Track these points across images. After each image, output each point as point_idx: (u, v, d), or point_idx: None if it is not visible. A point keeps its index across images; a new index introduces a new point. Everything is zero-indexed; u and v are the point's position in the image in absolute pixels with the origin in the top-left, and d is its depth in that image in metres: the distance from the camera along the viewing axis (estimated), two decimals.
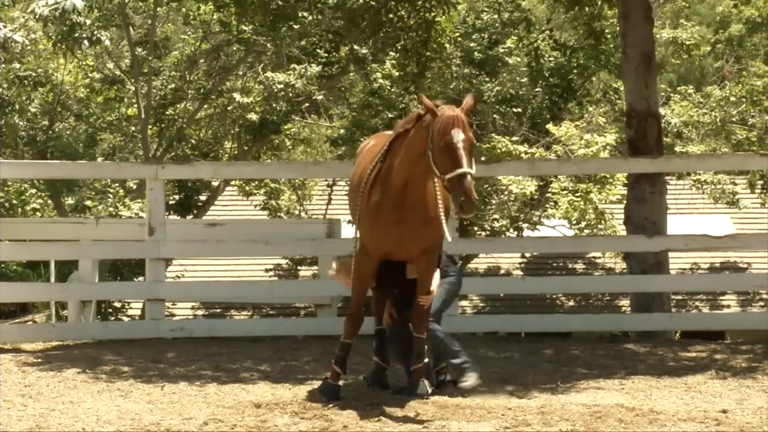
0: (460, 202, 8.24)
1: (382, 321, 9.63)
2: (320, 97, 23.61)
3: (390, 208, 8.92)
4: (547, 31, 19.55)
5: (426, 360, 9.20)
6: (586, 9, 18.00)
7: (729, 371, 10.63)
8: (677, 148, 24.62)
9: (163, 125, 24.43)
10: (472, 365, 9.25)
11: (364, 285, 9.28)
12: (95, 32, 17.41)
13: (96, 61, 25.28)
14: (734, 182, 24.61)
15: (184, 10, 24.48)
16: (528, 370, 10.64)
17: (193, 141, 25.26)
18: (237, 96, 23.16)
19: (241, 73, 24.48)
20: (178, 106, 24.44)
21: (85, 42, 16.83)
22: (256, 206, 25.54)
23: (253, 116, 23.46)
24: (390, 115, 23.27)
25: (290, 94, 22.14)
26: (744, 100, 25.71)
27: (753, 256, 23.28)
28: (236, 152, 25.00)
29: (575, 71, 25.30)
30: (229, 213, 26.10)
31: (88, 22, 16.79)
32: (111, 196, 21.89)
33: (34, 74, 22.49)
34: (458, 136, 8.43)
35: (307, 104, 23.97)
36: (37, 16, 14.68)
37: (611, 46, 23.67)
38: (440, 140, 8.43)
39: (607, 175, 20.24)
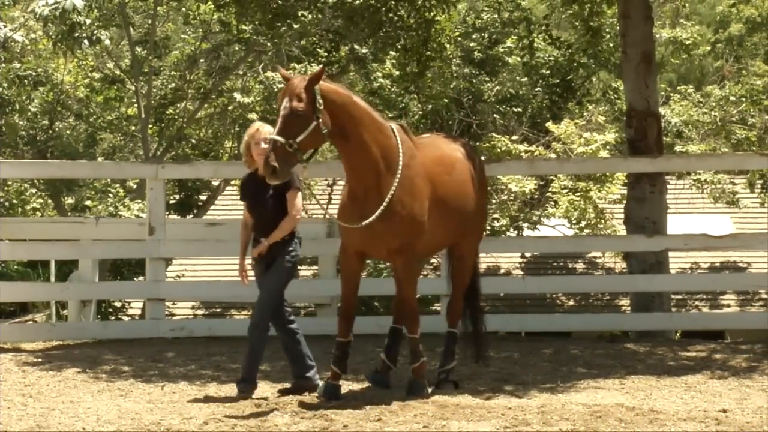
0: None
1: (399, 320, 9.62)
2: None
3: (351, 201, 9.03)
4: (543, 27, 19.52)
5: (424, 359, 9.21)
6: (585, 6, 18.00)
7: (729, 371, 10.65)
8: (677, 148, 24.62)
9: (163, 125, 24.43)
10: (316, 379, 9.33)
11: (348, 282, 9.27)
12: (95, 32, 17.38)
13: (96, 60, 25.28)
14: (733, 182, 24.60)
15: (184, 9, 24.47)
16: (528, 370, 10.65)
17: (193, 140, 25.26)
18: (237, 96, 23.15)
19: (241, 72, 24.47)
20: (179, 105, 24.43)
21: (85, 42, 16.81)
22: None
23: (254, 116, 23.44)
24: (390, 115, 23.25)
25: None
26: (744, 99, 25.71)
27: (753, 255, 23.22)
28: (236, 152, 24.97)
29: (575, 70, 25.31)
30: (229, 212, 26.03)
31: (88, 21, 16.76)
32: (111, 195, 21.88)
33: (34, 74, 22.49)
34: (282, 105, 8.63)
35: None
36: (37, 16, 14.68)
37: (611, 45, 23.67)
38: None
39: (607, 175, 20.23)
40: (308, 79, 8.61)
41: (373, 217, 8.80)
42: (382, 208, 8.80)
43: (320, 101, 8.56)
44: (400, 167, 8.91)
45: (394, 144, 8.95)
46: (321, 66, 9.04)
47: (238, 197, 8.88)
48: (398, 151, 8.95)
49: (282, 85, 9.03)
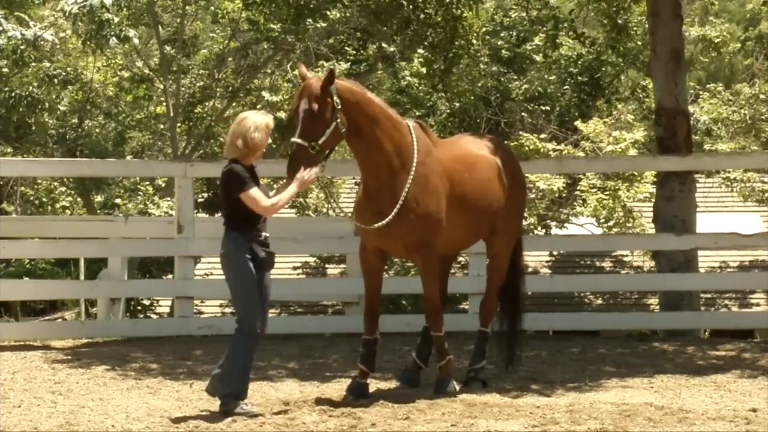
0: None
1: None
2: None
3: (365, 198, 9.02)
4: (570, 23, 19.47)
5: (450, 356, 9.20)
6: (613, 3, 17.95)
7: (758, 370, 10.58)
8: (706, 146, 24.55)
9: (191, 123, 24.50)
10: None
11: (369, 279, 9.24)
12: (123, 30, 17.47)
13: (125, 59, 25.38)
14: (763, 180, 24.48)
15: (212, 8, 24.53)
16: (556, 369, 10.62)
17: (221, 139, 25.29)
18: (265, 94, 23.18)
19: (269, 71, 24.51)
20: (207, 104, 24.50)
21: (114, 39, 16.87)
22: None
23: (282, 114, 23.49)
24: (418, 113, 23.26)
25: None
26: None
27: None
28: (264, 150, 25.02)
29: (604, 68, 25.24)
30: None
31: (116, 19, 16.85)
32: (141, 194, 21.96)
33: (63, 73, 22.58)
34: (300, 107, 8.54)
35: None
36: (66, 14, 14.76)
37: (639, 43, 23.59)
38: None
39: (636, 173, 20.15)
40: (324, 78, 8.58)
41: (391, 216, 8.78)
42: (398, 206, 8.79)
43: (337, 101, 8.56)
44: (415, 164, 8.88)
45: (409, 141, 8.93)
46: (331, 68, 8.99)
47: (242, 184, 8.39)
48: (413, 148, 8.91)
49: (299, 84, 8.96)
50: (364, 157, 8.88)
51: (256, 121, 8.47)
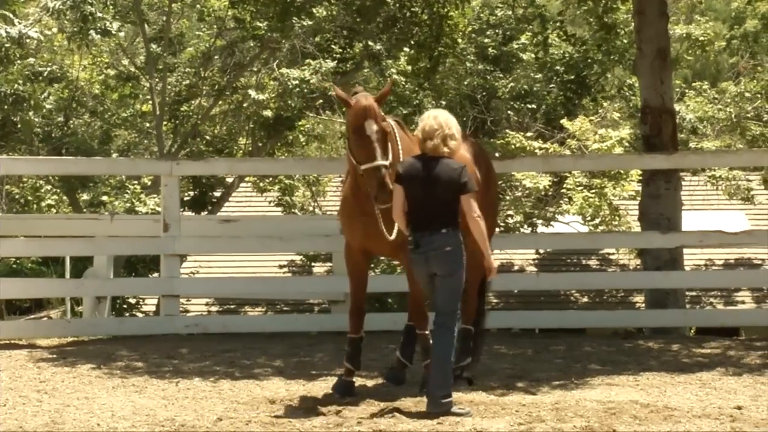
0: (375, 194, 8.38)
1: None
2: (334, 94, 23.52)
3: (353, 197, 9.00)
4: (557, 23, 19.50)
5: None
6: (600, 2, 17.96)
7: (744, 368, 10.60)
8: (692, 144, 24.57)
9: (177, 122, 24.43)
10: None
11: (355, 278, 9.26)
12: (107, 24, 17.38)
13: (111, 57, 25.31)
14: (748, 178, 24.54)
15: (198, 6, 24.47)
16: (542, 367, 10.61)
17: (207, 137, 25.25)
18: (252, 92, 23.13)
19: (255, 69, 24.46)
20: (193, 102, 24.43)
21: (95, 33, 16.79)
22: (270, 202, 25.55)
23: (268, 112, 23.45)
24: (404, 111, 23.24)
25: (305, 91, 22.11)
26: (759, 96, 25.64)
27: None
28: (250, 148, 25.00)
29: (590, 67, 25.26)
30: (243, 209, 26.12)
31: (100, 14, 16.77)
32: (128, 192, 21.92)
33: (48, 70, 22.51)
34: (371, 128, 8.49)
35: (321, 100, 23.95)
36: (50, 11, 14.69)
37: (625, 41, 23.62)
38: (354, 132, 8.55)
39: (622, 171, 20.18)
40: (379, 97, 8.70)
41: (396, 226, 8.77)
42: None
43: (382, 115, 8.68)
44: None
45: (395, 140, 8.97)
46: (391, 79, 9.06)
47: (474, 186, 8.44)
48: (398, 147, 8.95)
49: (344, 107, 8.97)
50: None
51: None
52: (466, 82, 25.03)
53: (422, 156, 8.51)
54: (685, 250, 14.17)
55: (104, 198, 21.77)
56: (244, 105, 23.91)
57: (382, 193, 8.36)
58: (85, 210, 22.27)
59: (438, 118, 8.56)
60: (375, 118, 8.53)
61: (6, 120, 22.18)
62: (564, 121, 22.03)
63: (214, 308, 23.79)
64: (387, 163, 8.44)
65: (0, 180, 23.58)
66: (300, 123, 24.50)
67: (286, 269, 24.65)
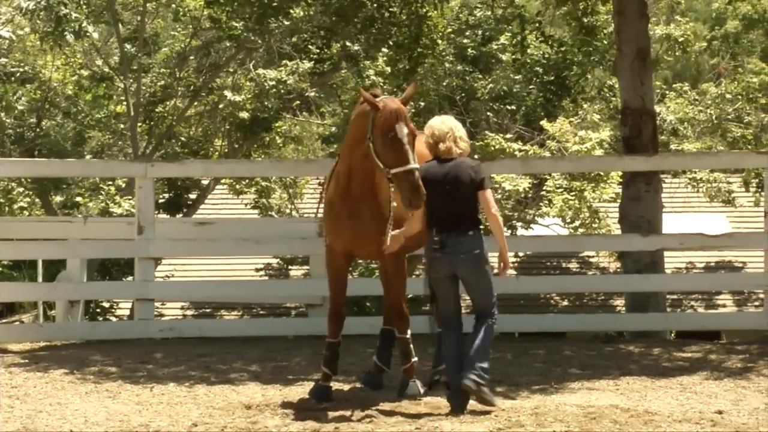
0: (409, 197, 8.26)
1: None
2: (312, 95, 23.42)
3: (340, 200, 8.90)
4: (536, 24, 19.44)
5: (415, 359, 9.16)
6: (579, 4, 17.89)
7: (724, 372, 10.56)
8: (672, 146, 24.56)
9: (152, 123, 24.27)
10: None
11: (335, 282, 9.17)
12: (82, 25, 17.21)
13: (84, 57, 25.12)
14: (729, 181, 24.54)
15: (174, 5, 24.32)
16: (521, 371, 10.56)
17: (182, 139, 25.09)
18: (228, 93, 22.99)
19: (231, 70, 24.33)
20: (168, 103, 24.27)
21: (71, 35, 16.62)
22: (246, 205, 25.45)
23: (244, 114, 23.30)
24: None
25: (282, 92, 21.98)
26: (740, 97, 25.67)
27: (749, 255, 23.15)
28: (226, 150, 24.84)
29: (570, 68, 25.23)
30: (219, 212, 25.96)
31: (75, 15, 16.60)
32: (102, 193, 21.75)
33: (20, 71, 22.33)
34: (402, 131, 8.40)
35: (298, 102, 23.84)
36: (23, 11, 14.51)
37: (605, 42, 23.59)
38: (384, 135, 8.41)
39: (602, 174, 20.13)
40: (404, 100, 8.69)
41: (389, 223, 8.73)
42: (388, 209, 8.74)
43: None
44: None
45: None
46: (414, 83, 8.98)
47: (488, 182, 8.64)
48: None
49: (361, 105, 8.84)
50: (360, 164, 8.71)
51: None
52: (444, 83, 24.95)
53: (438, 158, 8.66)
54: (665, 253, 14.12)
55: (78, 200, 21.60)
56: (220, 106, 23.76)
57: (416, 197, 8.25)
58: (58, 212, 22.09)
59: (446, 122, 8.77)
60: (405, 121, 8.45)
61: None
62: (544, 123, 21.97)
63: (189, 312, 23.68)
64: (418, 166, 8.35)
65: None
66: (277, 124, 24.38)
67: (262, 272, 24.55)
